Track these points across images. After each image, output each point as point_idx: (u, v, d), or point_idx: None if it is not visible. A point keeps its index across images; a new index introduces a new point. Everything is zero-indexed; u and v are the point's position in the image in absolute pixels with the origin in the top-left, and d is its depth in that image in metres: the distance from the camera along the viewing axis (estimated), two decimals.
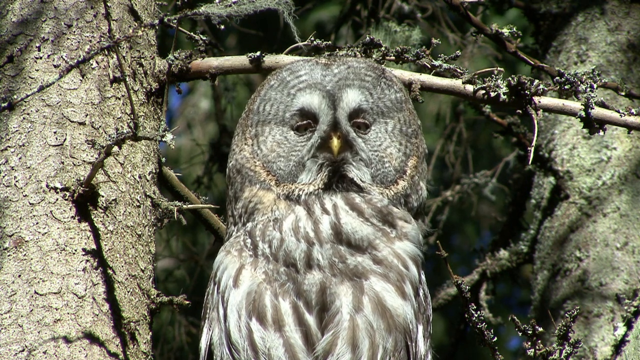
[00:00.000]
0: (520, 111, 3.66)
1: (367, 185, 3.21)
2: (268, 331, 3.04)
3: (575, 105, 3.66)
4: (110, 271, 3.46)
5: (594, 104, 3.62)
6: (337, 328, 3.03)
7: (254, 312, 3.05)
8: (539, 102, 3.66)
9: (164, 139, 3.20)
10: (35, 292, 3.36)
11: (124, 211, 3.55)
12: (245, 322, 3.06)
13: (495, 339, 3.23)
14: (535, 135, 3.62)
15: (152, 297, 3.56)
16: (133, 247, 3.56)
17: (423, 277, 3.19)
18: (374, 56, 3.75)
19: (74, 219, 3.45)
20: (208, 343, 3.17)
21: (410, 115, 3.34)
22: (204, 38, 3.86)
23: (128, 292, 3.50)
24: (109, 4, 3.66)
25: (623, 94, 3.97)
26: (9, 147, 3.49)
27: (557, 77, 3.71)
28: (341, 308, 3.03)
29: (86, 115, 3.56)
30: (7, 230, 3.41)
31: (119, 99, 3.64)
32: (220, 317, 3.12)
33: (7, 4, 3.63)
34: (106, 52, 3.59)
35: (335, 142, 3.21)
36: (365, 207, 3.16)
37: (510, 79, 3.65)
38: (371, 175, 3.24)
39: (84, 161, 3.51)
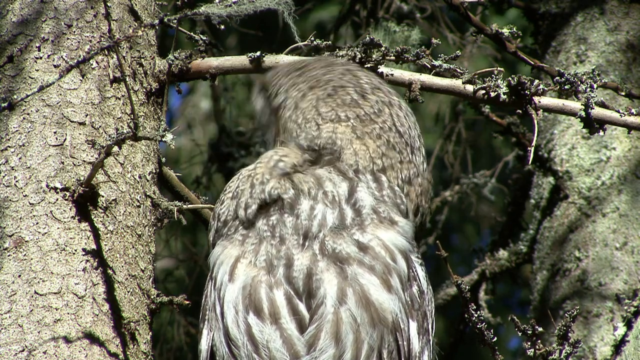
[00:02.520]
0: (520, 111, 3.67)
1: None
2: (265, 324, 3.03)
3: (575, 105, 3.66)
4: (110, 271, 3.46)
5: (594, 104, 3.62)
6: (320, 320, 3.01)
7: (250, 306, 3.05)
8: (539, 102, 3.66)
9: (164, 139, 3.20)
10: (35, 292, 3.36)
11: (124, 211, 3.55)
12: (242, 317, 3.05)
13: (495, 339, 3.23)
14: (535, 135, 3.63)
15: (152, 297, 3.56)
16: (133, 247, 3.55)
17: (419, 271, 3.15)
18: (374, 56, 3.75)
19: (74, 219, 3.45)
20: (209, 344, 3.15)
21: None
22: (204, 38, 3.86)
23: (128, 292, 3.50)
24: (109, 4, 3.66)
25: (623, 94, 3.97)
26: (9, 147, 3.49)
27: (557, 77, 3.71)
28: (325, 299, 3.01)
29: (86, 115, 3.56)
30: (7, 230, 3.41)
31: (119, 99, 3.64)
32: (217, 315, 3.11)
33: (7, 4, 3.63)
34: (106, 52, 3.59)
35: None
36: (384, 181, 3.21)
37: (510, 79, 3.65)
38: None
39: (84, 161, 3.51)
